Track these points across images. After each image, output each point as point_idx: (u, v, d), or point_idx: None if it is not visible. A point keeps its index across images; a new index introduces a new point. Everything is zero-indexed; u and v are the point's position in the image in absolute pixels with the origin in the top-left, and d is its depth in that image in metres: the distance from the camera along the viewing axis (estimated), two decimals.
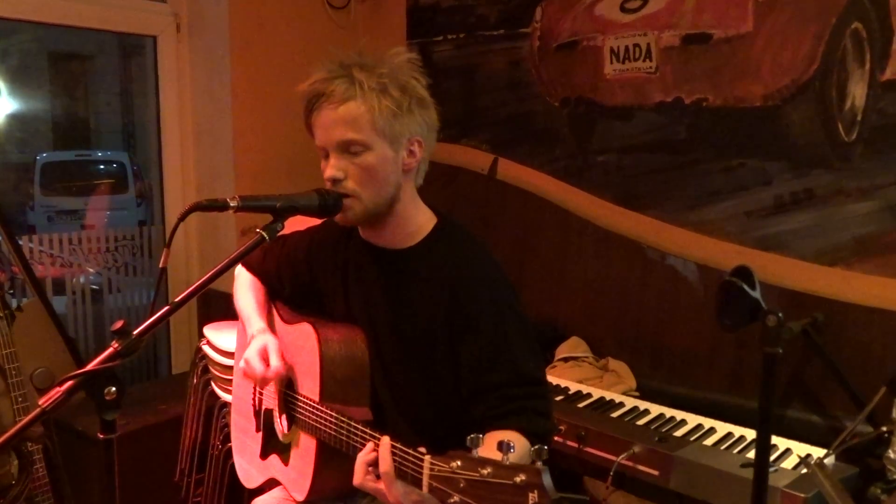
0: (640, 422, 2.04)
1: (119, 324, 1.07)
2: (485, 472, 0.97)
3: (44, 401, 1.00)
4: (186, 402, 2.62)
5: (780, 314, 1.30)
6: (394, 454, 1.18)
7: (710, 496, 1.73)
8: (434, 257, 1.45)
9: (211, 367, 2.48)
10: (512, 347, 1.37)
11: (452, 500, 1.00)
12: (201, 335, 2.57)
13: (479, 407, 1.36)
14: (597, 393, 2.24)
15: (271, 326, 1.70)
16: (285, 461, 1.62)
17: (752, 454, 1.82)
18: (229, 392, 2.39)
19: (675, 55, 2.40)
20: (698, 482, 1.75)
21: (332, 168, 1.39)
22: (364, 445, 1.28)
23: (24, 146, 6.95)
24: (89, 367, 1.03)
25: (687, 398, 2.29)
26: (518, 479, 0.94)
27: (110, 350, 1.06)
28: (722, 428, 1.99)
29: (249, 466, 1.79)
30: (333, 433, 1.41)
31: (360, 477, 1.24)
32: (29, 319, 2.53)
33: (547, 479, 0.93)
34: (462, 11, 2.99)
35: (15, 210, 6.66)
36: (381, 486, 1.20)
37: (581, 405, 2.15)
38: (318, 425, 1.47)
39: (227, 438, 2.55)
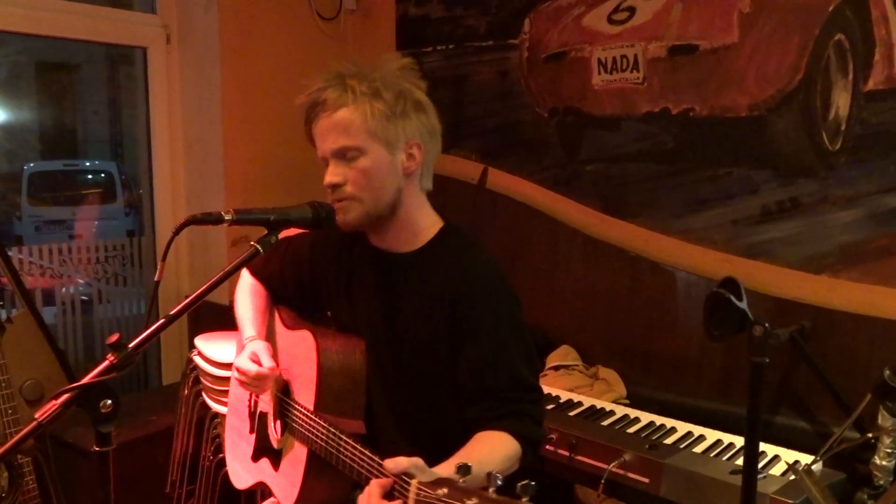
0: (631, 430, 2.05)
1: (114, 337, 1.08)
2: (469, 502, 0.95)
3: (40, 414, 1.00)
4: (177, 413, 2.62)
5: (767, 324, 1.32)
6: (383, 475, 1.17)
7: (701, 503, 1.75)
8: (435, 262, 1.45)
9: (202, 378, 2.48)
10: (510, 354, 1.39)
11: None
12: (192, 346, 2.56)
13: (475, 409, 1.37)
14: (587, 401, 2.25)
15: (271, 332, 1.71)
16: (276, 466, 1.62)
17: (741, 461, 1.84)
18: (220, 403, 2.39)
19: (661, 66, 2.43)
20: (688, 489, 1.77)
21: (330, 174, 1.41)
22: (353, 461, 1.31)
23: (11, 156, 6.91)
24: (85, 380, 1.04)
25: (676, 405, 2.30)
26: None
27: (106, 363, 1.06)
28: (711, 435, 2.00)
29: (240, 467, 1.79)
30: (323, 444, 1.42)
31: None
32: (18, 331, 2.52)
33: None
34: (451, 22, 3.02)
35: (2, 220, 6.62)
36: None
37: (572, 413, 2.16)
38: (310, 435, 1.47)
39: (219, 449, 2.55)
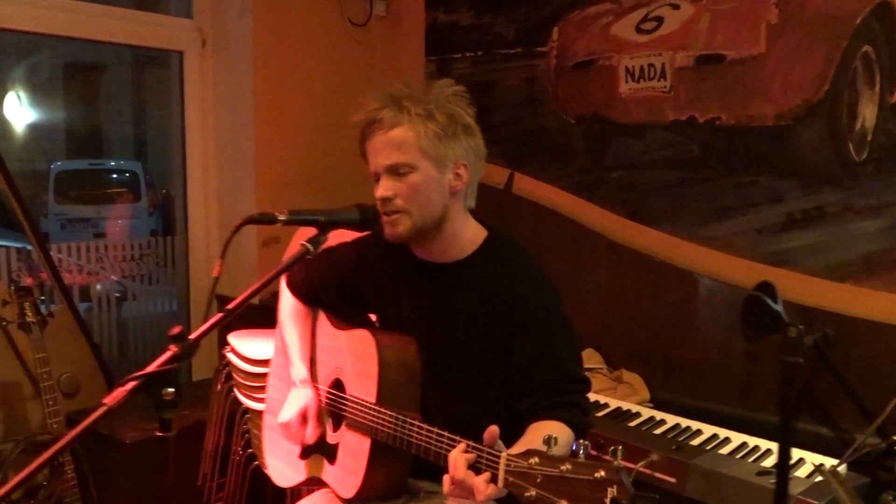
0: (657, 431, 2.10)
1: (177, 329, 1.14)
2: (564, 468, 1.02)
3: (109, 399, 1.06)
4: (210, 408, 2.68)
5: (802, 326, 1.37)
6: (468, 451, 1.24)
7: (727, 503, 1.79)
8: (484, 269, 1.54)
9: (234, 375, 2.54)
10: (558, 349, 1.49)
11: (529, 494, 1.05)
12: (222, 343, 2.62)
13: (527, 400, 1.45)
14: (613, 403, 2.30)
15: (315, 335, 1.78)
16: (331, 461, 1.68)
17: (766, 463, 1.88)
18: (252, 398, 2.45)
19: (688, 75, 2.46)
20: (715, 490, 1.80)
21: (382, 188, 1.49)
22: (430, 443, 1.38)
23: (39, 155, 7.05)
24: (150, 368, 1.10)
25: (699, 410, 2.32)
26: (598, 475, 0.99)
27: (168, 353, 1.12)
28: (736, 438, 2.04)
29: (285, 466, 1.84)
30: (392, 432, 1.48)
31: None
32: (57, 325, 2.60)
33: (626, 476, 0.99)
34: (480, 30, 3.07)
35: None
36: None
37: (599, 414, 2.21)
38: (375, 426, 1.53)
39: (249, 444, 2.61)
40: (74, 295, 2.94)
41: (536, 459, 1.06)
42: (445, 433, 1.34)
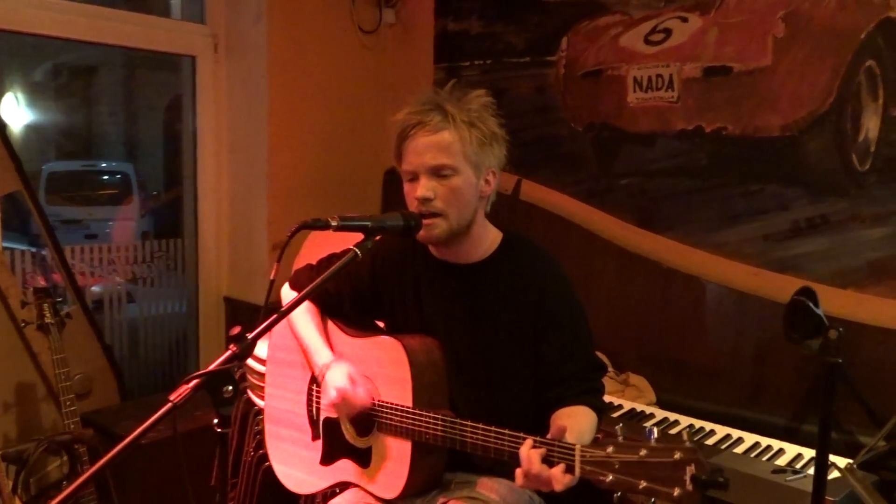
0: (672, 431, 2.16)
1: (236, 329, 1.18)
2: (642, 453, 1.09)
3: (174, 396, 1.10)
4: None
5: (841, 329, 1.43)
6: (537, 446, 1.28)
7: (743, 501, 1.84)
8: (507, 267, 1.61)
9: (248, 376, 2.56)
10: (583, 338, 1.60)
11: (608, 479, 1.11)
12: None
13: (557, 390, 1.53)
14: (627, 405, 2.35)
15: (330, 342, 1.79)
16: (364, 464, 1.68)
17: (781, 461, 1.95)
18: (264, 399, 2.47)
19: (696, 86, 2.52)
20: (732, 487, 1.84)
21: (422, 188, 1.53)
22: (487, 441, 1.42)
23: (31, 156, 7.00)
24: (211, 367, 1.14)
25: (706, 412, 2.38)
26: (676, 456, 1.05)
27: (228, 353, 1.16)
28: (749, 438, 2.10)
29: (303, 474, 1.82)
30: (441, 434, 1.51)
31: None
32: (68, 327, 2.61)
33: (702, 454, 1.05)
34: (489, 38, 3.12)
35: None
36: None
37: (615, 415, 2.26)
38: (418, 429, 1.55)
39: (260, 445, 2.63)
40: (88, 297, 2.96)
41: (612, 448, 1.12)
42: (506, 431, 1.38)
